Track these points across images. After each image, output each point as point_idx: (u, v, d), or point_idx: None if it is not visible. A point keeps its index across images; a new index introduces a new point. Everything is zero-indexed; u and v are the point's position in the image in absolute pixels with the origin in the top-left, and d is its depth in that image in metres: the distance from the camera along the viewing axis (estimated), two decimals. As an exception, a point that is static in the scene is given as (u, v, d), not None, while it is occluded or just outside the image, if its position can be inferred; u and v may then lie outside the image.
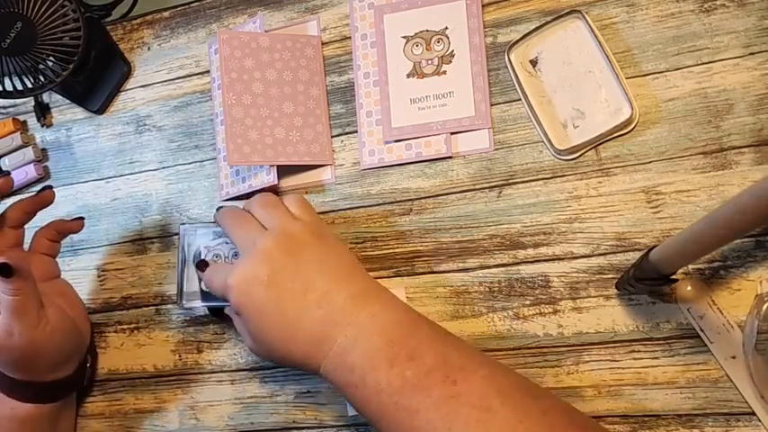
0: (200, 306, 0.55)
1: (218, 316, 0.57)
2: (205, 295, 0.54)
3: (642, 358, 0.48)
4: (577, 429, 0.40)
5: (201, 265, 0.52)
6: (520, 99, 0.53)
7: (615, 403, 0.48)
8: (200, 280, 0.54)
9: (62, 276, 0.59)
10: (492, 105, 0.54)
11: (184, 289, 0.54)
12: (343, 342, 0.42)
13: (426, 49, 0.56)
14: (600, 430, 0.42)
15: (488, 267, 0.52)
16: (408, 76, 0.56)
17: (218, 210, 0.52)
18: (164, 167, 0.62)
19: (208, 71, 0.62)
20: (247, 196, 0.58)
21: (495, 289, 0.52)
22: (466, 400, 0.39)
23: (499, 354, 0.51)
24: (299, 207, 0.49)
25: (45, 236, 0.56)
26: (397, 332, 0.42)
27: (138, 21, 0.65)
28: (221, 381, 0.58)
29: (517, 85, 0.53)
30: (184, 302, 0.54)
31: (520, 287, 0.51)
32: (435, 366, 0.41)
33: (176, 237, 0.61)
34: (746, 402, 0.45)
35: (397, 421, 0.40)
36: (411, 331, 0.43)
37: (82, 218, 0.58)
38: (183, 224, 0.55)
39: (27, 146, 0.66)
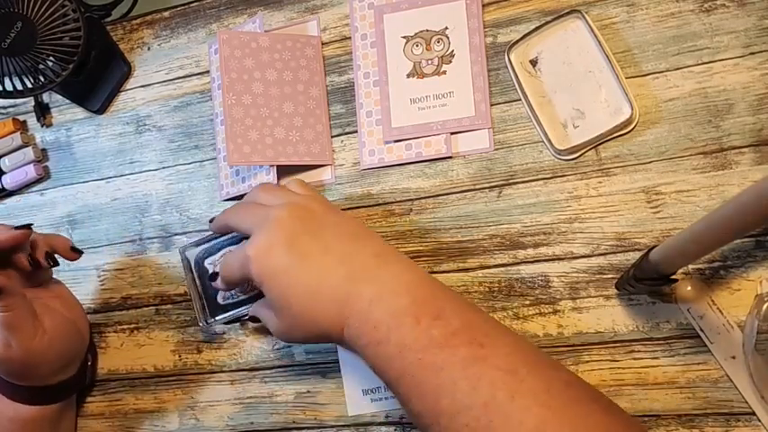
0: (225, 318, 0.54)
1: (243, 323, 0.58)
2: (225, 308, 0.54)
3: (642, 358, 0.48)
4: (600, 406, 0.39)
5: (213, 276, 0.52)
6: (520, 99, 0.53)
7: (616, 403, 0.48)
8: (214, 295, 0.54)
9: (59, 277, 0.59)
10: (492, 105, 0.54)
11: (205, 307, 0.54)
12: (367, 298, 0.42)
13: (426, 49, 0.56)
14: (619, 411, 0.41)
15: (488, 267, 0.52)
16: (408, 76, 0.56)
17: (211, 221, 0.53)
18: (164, 167, 0.63)
19: (208, 71, 0.62)
20: (247, 196, 0.58)
21: (495, 289, 0.52)
22: (492, 363, 0.39)
23: (499, 354, 0.51)
24: (302, 187, 0.50)
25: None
26: (421, 292, 0.42)
27: (138, 21, 0.65)
28: (221, 381, 0.58)
29: (517, 85, 0.53)
30: (209, 321, 0.54)
31: (520, 287, 0.51)
32: (461, 328, 0.40)
33: (176, 237, 0.61)
34: (746, 402, 0.45)
35: (418, 379, 0.40)
36: (435, 293, 0.43)
37: (79, 252, 0.56)
38: (182, 247, 0.55)
39: (27, 146, 0.66)
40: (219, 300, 0.54)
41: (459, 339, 0.40)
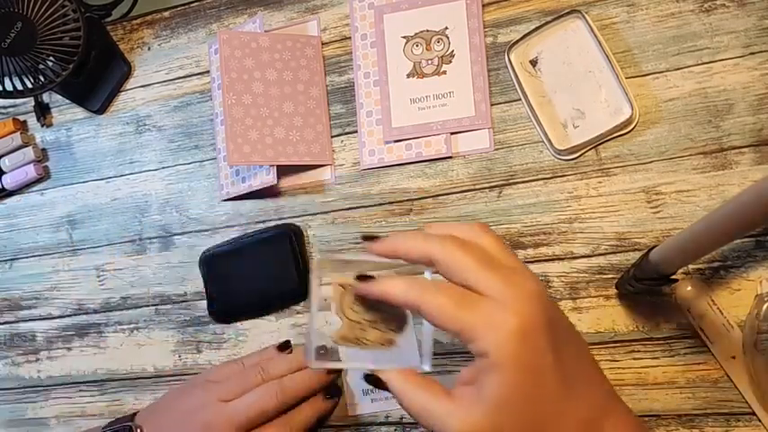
0: (340, 366, 0.49)
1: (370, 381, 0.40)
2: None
3: (642, 358, 0.48)
4: None
5: (363, 277, 0.40)
6: (520, 99, 0.53)
7: (615, 403, 0.48)
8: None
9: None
10: (492, 105, 0.54)
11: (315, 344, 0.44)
12: (611, 428, 0.36)
13: (426, 49, 0.56)
14: None
15: (488, 267, 0.52)
16: (408, 75, 0.56)
17: (367, 237, 0.41)
18: (164, 167, 0.62)
19: (208, 71, 0.62)
20: (247, 196, 0.58)
21: (495, 289, 0.52)
22: None
23: (499, 354, 0.51)
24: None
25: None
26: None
27: (138, 21, 0.65)
28: (221, 381, 0.58)
29: (517, 85, 0.53)
30: (314, 364, 0.45)
31: (520, 287, 0.51)
32: None
33: (176, 237, 0.61)
34: (746, 402, 0.45)
35: None
36: None
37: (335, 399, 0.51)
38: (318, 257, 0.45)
39: (27, 146, 0.66)
40: (337, 337, 0.41)
41: None
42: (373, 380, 0.39)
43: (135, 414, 0.54)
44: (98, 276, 0.63)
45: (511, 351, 0.33)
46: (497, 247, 0.37)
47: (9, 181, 0.65)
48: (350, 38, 0.58)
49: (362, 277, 0.40)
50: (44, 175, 0.66)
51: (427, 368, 0.39)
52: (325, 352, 0.45)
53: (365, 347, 0.41)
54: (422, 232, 0.38)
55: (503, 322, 0.33)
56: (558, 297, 0.50)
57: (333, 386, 0.52)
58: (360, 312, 0.41)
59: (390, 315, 0.41)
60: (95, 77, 0.64)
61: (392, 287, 0.37)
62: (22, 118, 0.68)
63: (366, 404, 0.53)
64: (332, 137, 0.58)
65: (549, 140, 0.51)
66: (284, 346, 0.54)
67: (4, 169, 0.66)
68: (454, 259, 0.35)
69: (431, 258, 0.36)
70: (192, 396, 0.51)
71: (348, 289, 0.41)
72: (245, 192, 0.58)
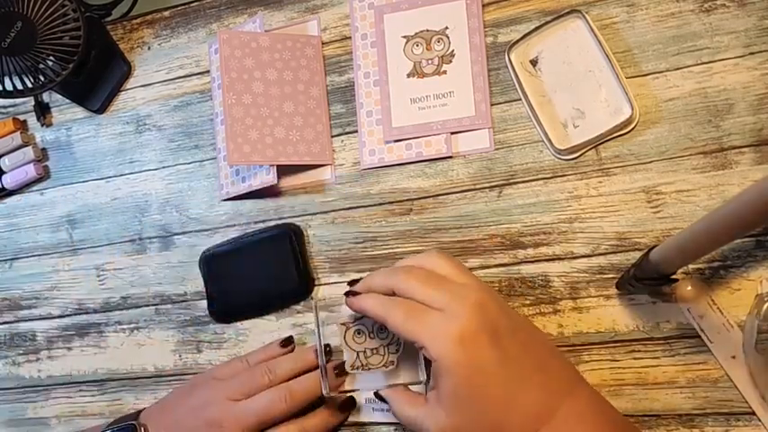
0: (352, 392, 0.52)
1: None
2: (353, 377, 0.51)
3: (642, 358, 0.48)
4: None
5: (351, 293, 0.46)
6: (520, 99, 0.53)
7: (616, 403, 0.48)
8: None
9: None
10: (492, 105, 0.54)
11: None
12: (564, 416, 0.39)
13: (426, 49, 0.56)
14: None
15: (489, 267, 0.52)
16: (408, 75, 0.56)
17: (352, 282, 0.47)
18: (164, 167, 0.62)
19: (208, 71, 0.62)
20: (247, 196, 0.58)
21: (496, 289, 0.52)
22: None
23: (499, 353, 0.51)
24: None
25: None
26: (619, 417, 0.41)
27: (138, 20, 0.65)
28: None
29: (517, 85, 0.53)
30: (330, 393, 0.49)
31: (520, 287, 0.51)
32: None
33: (176, 236, 0.61)
34: (746, 402, 0.45)
35: None
36: (627, 421, 0.42)
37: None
38: (318, 307, 0.51)
39: (27, 145, 0.66)
40: (347, 366, 0.49)
41: None
42: (379, 397, 0.48)
43: (139, 412, 0.53)
44: (98, 276, 0.63)
45: (452, 355, 0.39)
46: (449, 267, 0.43)
47: (9, 180, 0.65)
48: (350, 38, 0.58)
49: (349, 293, 0.47)
50: (44, 175, 0.66)
51: (423, 378, 0.48)
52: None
53: (371, 371, 0.49)
54: (387, 269, 0.46)
55: (444, 330, 0.39)
56: (558, 297, 0.50)
57: (349, 399, 0.52)
58: (362, 342, 0.49)
59: (388, 340, 0.49)
60: (95, 77, 0.64)
61: (365, 303, 0.44)
62: (22, 117, 0.68)
63: (367, 414, 0.53)
64: (332, 137, 0.58)
65: (550, 140, 0.51)
66: (287, 342, 0.54)
67: (3, 169, 0.66)
68: (407, 284, 0.43)
69: (392, 288, 0.44)
70: (197, 394, 0.51)
71: (349, 326, 0.49)
72: (245, 191, 0.58)
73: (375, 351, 0.49)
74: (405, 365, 0.49)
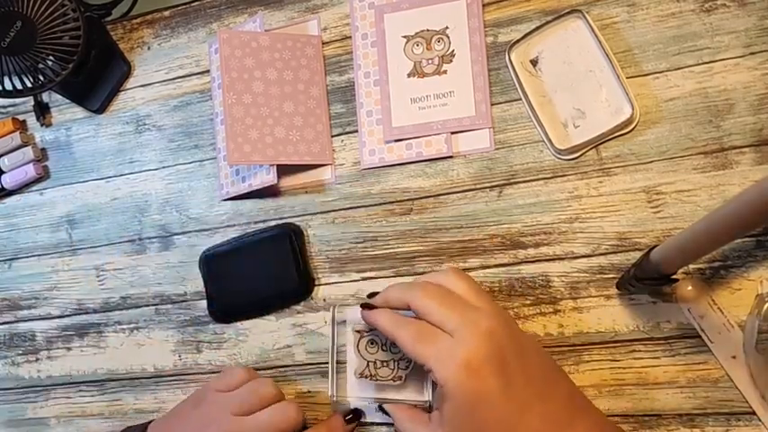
0: (358, 400, 0.52)
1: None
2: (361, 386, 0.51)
3: (643, 358, 0.48)
4: None
5: (368, 303, 0.47)
6: (520, 99, 0.53)
7: (616, 403, 0.48)
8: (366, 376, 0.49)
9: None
10: (492, 105, 0.54)
11: (336, 380, 0.51)
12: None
13: (427, 49, 0.56)
14: None
15: (489, 267, 0.52)
16: (409, 75, 0.56)
17: (371, 295, 0.48)
18: (163, 167, 0.62)
19: (208, 71, 0.62)
20: (247, 196, 0.58)
21: (496, 289, 0.52)
22: None
23: (500, 353, 0.51)
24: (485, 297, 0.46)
25: None
26: None
27: (138, 20, 0.65)
28: (221, 381, 0.58)
29: (518, 85, 0.53)
30: (336, 396, 0.51)
31: (520, 287, 0.51)
32: None
33: (176, 236, 0.61)
34: (747, 402, 0.45)
35: None
36: None
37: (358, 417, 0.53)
38: (337, 307, 0.52)
39: (26, 145, 0.66)
40: (356, 373, 0.49)
41: None
42: (383, 410, 0.49)
43: (147, 425, 0.53)
44: (98, 276, 0.63)
45: (457, 381, 0.39)
46: (467, 289, 0.44)
47: (8, 180, 0.65)
48: (350, 37, 0.58)
49: (365, 305, 0.48)
50: (43, 175, 0.66)
51: (428, 398, 0.48)
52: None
53: (378, 383, 0.49)
54: (404, 284, 0.46)
55: (451, 356, 0.40)
56: (558, 297, 0.50)
57: (355, 410, 0.52)
58: (374, 353, 0.50)
59: (399, 356, 0.49)
60: (95, 77, 0.64)
61: (378, 318, 0.45)
62: (21, 117, 0.68)
63: (370, 414, 0.53)
64: (332, 136, 0.58)
65: (550, 140, 0.51)
66: None
67: (3, 169, 0.66)
68: (422, 302, 0.43)
69: (408, 305, 0.44)
70: (202, 409, 0.50)
71: (364, 334, 0.50)
72: (245, 191, 0.58)
73: (385, 364, 0.50)
74: (412, 383, 0.50)
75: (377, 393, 0.50)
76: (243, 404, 0.49)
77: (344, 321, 0.52)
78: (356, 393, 0.51)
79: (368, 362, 0.50)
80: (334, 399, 0.50)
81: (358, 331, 0.50)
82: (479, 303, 0.43)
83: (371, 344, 0.50)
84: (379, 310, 0.46)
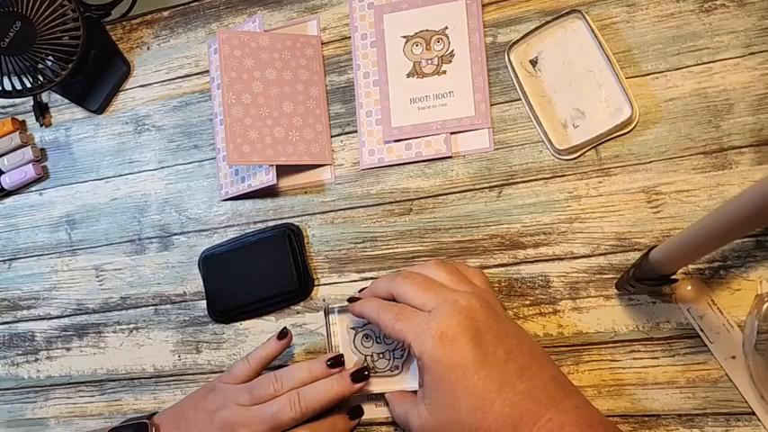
0: (361, 396, 0.52)
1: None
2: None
3: (642, 358, 0.48)
4: None
5: (352, 299, 0.49)
6: (520, 99, 0.53)
7: (615, 403, 0.48)
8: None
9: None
10: (492, 105, 0.54)
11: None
12: (547, 425, 0.39)
13: (426, 49, 0.56)
14: None
15: (488, 267, 0.52)
16: (408, 75, 0.56)
17: (360, 290, 0.50)
18: (163, 167, 0.62)
19: (207, 71, 0.62)
20: (247, 196, 0.58)
21: (495, 289, 0.52)
22: None
23: (499, 354, 0.51)
24: (482, 280, 0.48)
25: None
26: (602, 430, 0.40)
27: (138, 20, 0.65)
28: (221, 381, 0.58)
29: (517, 85, 0.53)
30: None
31: (520, 287, 0.51)
32: None
33: (176, 237, 0.61)
34: (746, 402, 0.45)
35: None
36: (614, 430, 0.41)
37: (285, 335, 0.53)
38: (329, 307, 0.52)
39: (26, 145, 0.66)
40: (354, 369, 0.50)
41: None
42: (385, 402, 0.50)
43: (153, 414, 0.54)
44: (97, 276, 0.63)
45: (432, 351, 0.41)
46: (446, 275, 0.46)
47: (8, 181, 0.65)
48: (350, 37, 0.58)
49: (352, 299, 0.50)
50: (43, 175, 0.66)
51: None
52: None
53: (377, 375, 0.50)
54: (389, 275, 0.48)
55: (427, 328, 0.41)
56: (558, 297, 0.50)
57: (356, 407, 0.52)
58: (369, 347, 0.51)
59: (393, 345, 0.50)
60: (94, 77, 0.64)
61: (362, 307, 0.47)
62: (20, 117, 0.68)
63: (370, 409, 0.53)
64: (331, 137, 0.58)
65: (549, 140, 0.51)
66: (282, 335, 0.52)
67: (2, 169, 0.66)
68: (403, 289, 0.45)
69: (391, 293, 0.46)
70: (210, 398, 0.51)
71: (358, 331, 0.51)
72: (244, 192, 0.58)
73: (381, 355, 0.51)
74: (410, 371, 0.50)
75: (378, 387, 0.51)
76: (248, 399, 0.49)
77: (338, 320, 0.52)
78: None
79: (365, 356, 0.51)
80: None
81: (352, 328, 0.51)
82: (462, 288, 0.45)
83: (366, 338, 0.51)
84: (364, 299, 0.48)
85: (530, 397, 0.40)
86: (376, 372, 0.50)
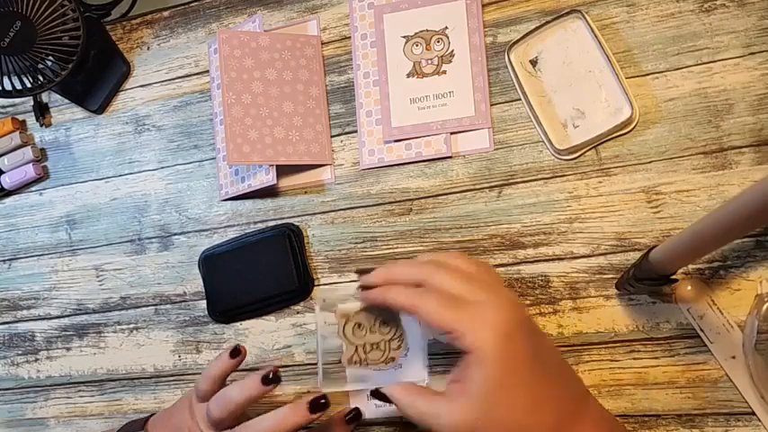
0: (344, 389, 0.50)
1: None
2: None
3: (642, 358, 0.48)
4: None
5: (363, 271, 0.45)
6: (520, 99, 0.53)
7: (615, 403, 0.48)
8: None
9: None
10: (492, 105, 0.54)
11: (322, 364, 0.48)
12: (596, 417, 0.39)
13: (426, 49, 0.56)
14: None
15: (488, 267, 0.52)
16: (408, 75, 0.56)
17: (368, 271, 0.45)
18: (163, 167, 0.62)
19: (207, 71, 0.62)
20: (247, 196, 0.58)
21: (495, 289, 0.52)
22: None
23: (499, 354, 0.51)
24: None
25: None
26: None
27: (138, 20, 0.65)
28: (221, 381, 0.58)
29: (517, 86, 0.53)
30: (329, 383, 0.48)
31: (520, 287, 0.51)
32: None
33: (176, 236, 0.61)
34: (746, 402, 0.45)
35: None
36: None
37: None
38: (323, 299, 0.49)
39: (26, 145, 0.66)
40: (344, 359, 0.47)
41: None
42: (378, 395, 0.44)
43: (147, 419, 0.53)
44: (97, 276, 0.63)
45: (494, 347, 0.37)
46: (474, 266, 0.42)
47: (8, 181, 0.65)
48: (350, 38, 0.58)
49: (362, 271, 0.45)
50: (43, 175, 0.66)
51: (428, 380, 0.47)
52: (335, 376, 0.49)
53: (370, 367, 0.47)
54: (412, 261, 0.44)
55: (488, 321, 0.38)
56: (558, 297, 0.50)
57: (355, 410, 0.50)
58: (362, 336, 0.47)
59: (390, 336, 0.47)
60: (95, 77, 0.64)
61: (391, 294, 0.42)
62: (21, 117, 0.68)
63: (371, 409, 0.53)
64: (331, 137, 0.58)
65: (550, 140, 0.51)
66: (234, 353, 0.50)
67: (2, 169, 0.66)
68: (440, 277, 0.41)
69: (420, 281, 0.41)
70: (186, 409, 0.50)
71: (350, 318, 0.47)
72: (244, 192, 0.58)
73: (375, 346, 0.47)
74: (406, 365, 0.48)
75: (367, 381, 0.48)
76: (212, 417, 0.48)
77: (327, 308, 0.49)
78: (349, 384, 0.49)
79: (356, 346, 0.47)
80: (323, 390, 0.47)
81: (343, 316, 0.47)
82: (491, 281, 0.42)
83: (358, 327, 0.47)
84: (389, 286, 0.43)
85: (567, 402, 0.39)
86: (368, 363, 0.47)
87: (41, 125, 0.67)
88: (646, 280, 0.44)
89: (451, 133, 0.54)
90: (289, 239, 0.56)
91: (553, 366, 0.40)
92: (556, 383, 0.39)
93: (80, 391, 0.62)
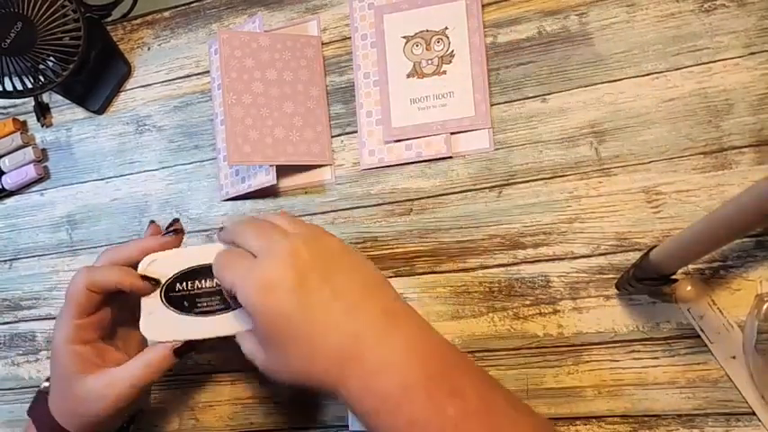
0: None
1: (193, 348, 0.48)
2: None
3: (642, 358, 0.48)
4: None
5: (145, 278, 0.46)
6: (520, 99, 0.53)
7: (615, 403, 0.48)
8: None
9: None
10: (492, 105, 0.54)
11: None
12: (373, 364, 0.38)
13: (426, 49, 0.56)
14: None
15: (488, 267, 0.52)
16: (408, 76, 0.56)
17: (221, 230, 0.46)
18: (164, 167, 0.62)
19: (208, 71, 0.62)
20: (247, 196, 0.58)
21: (496, 289, 0.52)
22: None
23: (500, 354, 0.51)
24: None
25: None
26: (435, 363, 0.38)
27: (139, 21, 0.65)
28: (221, 381, 0.58)
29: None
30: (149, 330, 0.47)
31: (520, 287, 0.51)
32: (479, 409, 0.36)
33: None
34: (746, 402, 0.45)
35: None
36: (451, 364, 0.39)
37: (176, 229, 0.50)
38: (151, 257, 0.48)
39: (27, 146, 0.66)
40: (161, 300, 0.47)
41: (475, 422, 0.36)
42: (187, 348, 0.48)
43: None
44: (98, 276, 0.63)
45: (253, 300, 0.39)
46: (284, 220, 0.44)
47: (9, 181, 0.65)
48: (350, 38, 0.58)
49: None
50: (44, 176, 0.66)
51: (249, 326, 0.44)
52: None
53: (200, 316, 0.47)
54: (243, 219, 0.46)
55: (249, 277, 0.40)
56: (558, 297, 0.50)
57: (187, 342, 0.48)
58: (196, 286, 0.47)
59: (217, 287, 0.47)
60: (95, 77, 0.64)
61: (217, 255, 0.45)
62: (22, 118, 0.68)
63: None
64: (332, 137, 0.58)
65: (549, 140, 0.51)
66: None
67: (3, 169, 0.66)
68: (242, 234, 0.43)
69: (232, 240, 0.45)
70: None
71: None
72: (244, 192, 0.58)
73: (208, 295, 0.47)
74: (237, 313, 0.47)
75: (199, 331, 0.47)
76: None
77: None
78: (174, 336, 0.48)
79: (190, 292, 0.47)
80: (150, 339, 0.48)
81: (197, 292, 0.47)
82: (296, 230, 0.43)
83: (210, 299, 0.47)
84: (209, 245, 0.47)
85: (355, 337, 0.38)
86: (213, 306, 0.47)
87: (42, 126, 0.67)
88: (646, 280, 0.44)
89: (452, 133, 0.54)
90: (289, 239, 0.56)
91: (342, 305, 0.39)
92: (340, 325, 0.39)
93: (81, 391, 0.62)
